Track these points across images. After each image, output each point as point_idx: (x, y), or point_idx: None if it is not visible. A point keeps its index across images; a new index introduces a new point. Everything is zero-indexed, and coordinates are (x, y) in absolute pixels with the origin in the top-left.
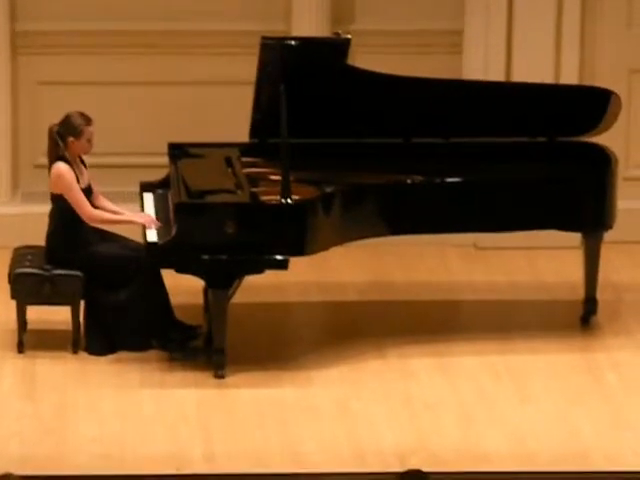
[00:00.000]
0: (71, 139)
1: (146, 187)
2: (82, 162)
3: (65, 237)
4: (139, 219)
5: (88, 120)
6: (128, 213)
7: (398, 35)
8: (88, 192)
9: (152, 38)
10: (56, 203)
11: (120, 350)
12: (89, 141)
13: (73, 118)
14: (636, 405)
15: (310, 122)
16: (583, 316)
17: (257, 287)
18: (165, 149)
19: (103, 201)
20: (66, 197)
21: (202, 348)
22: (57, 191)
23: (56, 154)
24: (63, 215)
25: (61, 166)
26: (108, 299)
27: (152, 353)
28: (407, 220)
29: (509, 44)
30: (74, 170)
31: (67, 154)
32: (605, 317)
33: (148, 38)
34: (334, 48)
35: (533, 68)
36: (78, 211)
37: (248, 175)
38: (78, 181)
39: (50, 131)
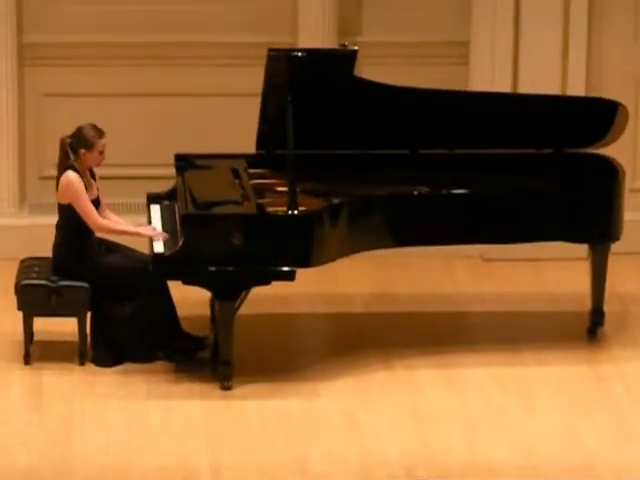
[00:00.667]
0: (83, 151)
1: (153, 198)
2: (92, 175)
3: (72, 248)
4: (146, 231)
5: (100, 133)
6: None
7: (404, 46)
8: (96, 204)
9: (158, 50)
10: (63, 214)
11: (126, 361)
12: (101, 153)
13: (85, 130)
14: None
15: (317, 133)
16: (590, 327)
17: (264, 298)
18: (171, 160)
19: (109, 214)
20: (74, 205)
21: (208, 359)
22: (65, 201)
23: (66, 166)
24: (70, 226)
25: (70, 174)
26: (115, 310)
27: (158, 364)
28: (413, 232)
29: (516, 55)
30: (83, 181)
31: (78, 166)
32: (612, 328)
33: (154, 50)
34: (341, 59)
35: (540, 79)
36: (86, 219)
37: (255, 186)
38: (87, 192)
39: (62, 143)
